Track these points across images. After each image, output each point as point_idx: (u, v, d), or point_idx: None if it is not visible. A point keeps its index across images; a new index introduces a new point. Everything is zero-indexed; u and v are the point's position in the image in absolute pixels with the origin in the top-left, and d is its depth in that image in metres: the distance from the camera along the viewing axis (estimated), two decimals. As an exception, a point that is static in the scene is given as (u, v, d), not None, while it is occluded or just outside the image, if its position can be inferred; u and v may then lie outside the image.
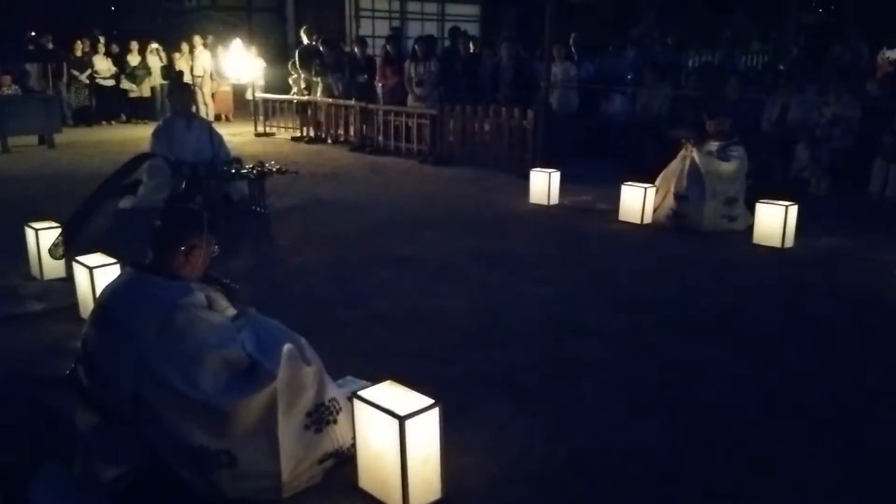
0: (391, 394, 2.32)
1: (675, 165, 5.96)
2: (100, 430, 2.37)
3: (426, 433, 2.25)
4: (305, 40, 11.20)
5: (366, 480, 2.36)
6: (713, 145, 5.81)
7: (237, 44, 11.86)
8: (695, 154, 5.78)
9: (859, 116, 7.28)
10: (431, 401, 2.28)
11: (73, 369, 2.45)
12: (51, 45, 12.29)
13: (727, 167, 5.72)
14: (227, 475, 2.25)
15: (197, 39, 13.22)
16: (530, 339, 3.69)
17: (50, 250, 4.30)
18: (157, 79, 13.09)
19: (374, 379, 2.50)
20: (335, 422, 2.44)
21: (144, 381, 2.23)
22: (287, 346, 2.32)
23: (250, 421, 2.26)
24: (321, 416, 2.40)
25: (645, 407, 3.02)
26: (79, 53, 12.47)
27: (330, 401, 2.43)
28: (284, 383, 2.28)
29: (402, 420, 2.18)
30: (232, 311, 2.50)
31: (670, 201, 5.89)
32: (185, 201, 2.87)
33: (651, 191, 5.99)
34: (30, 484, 2.31)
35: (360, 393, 2.33)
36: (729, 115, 5.96)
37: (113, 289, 2.43)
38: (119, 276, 2.50)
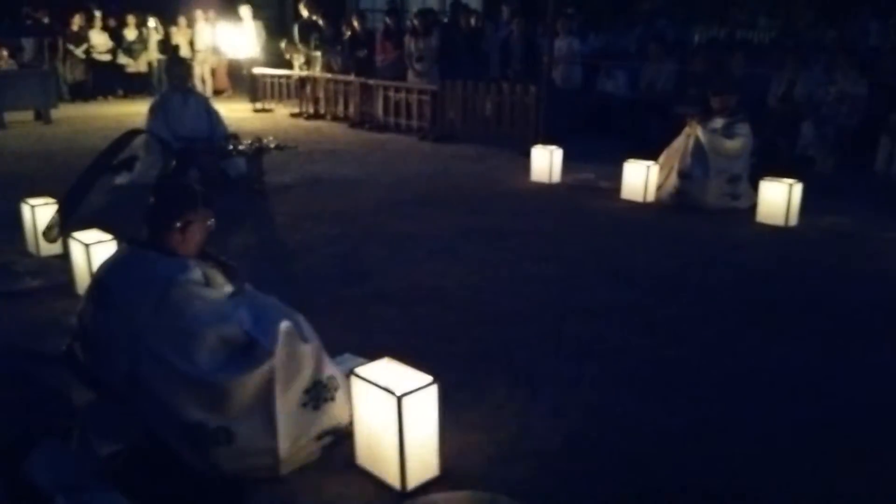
0: (389, 371, 2.31)
1: (678, 143, 5.89)
2: (96, 406, 2.37)
3: (424, 411, 2.24)
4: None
5: (363, 458, 2.35)
6: (718, 122, 5.74)
7: (235, 17, 11.72)
8: (699, 131, 5.71)
9: (866, 94, 7.19)
10: (430, 378, 2.26)
11: (69, 346, 2.43)
12: (47, 20, 12.14)
13: (732, 144, 5.66)
14: (224, 452, 2.24)
15: (199, 14, 13.02)
16: (530, 318, 3.66)
17: (44, 233, 4.26)
18: (153, 53, 12.96)
19: (372, 356, 2.48)
20: (333, 399, 2.42)
21: (141, 357, 2.21)
22: (284, 324, 2.30)
23: (248, 398, 2.25)
24: (319, 394, 2.38)
25: (645, 386, 2.99)
26: (75, 28, 12.31)
27: (328, 378, 2.42)
28: (282, 361, 2.26)
29: (399, 398, 2.16)
30: (229, 289, 2.47)
31: (674, 179, 5.83)
32: (177, 177, 2.83)
33: (654, 168, 5.92)
34: (27, 459, 2.30)
35: (357, 370, 2.31)
36: (734, 92, 5.88)
37: (109, 265, 2.41)
38: (115, 253, 2.48)
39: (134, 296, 2.26)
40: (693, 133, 5.75)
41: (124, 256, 2.40)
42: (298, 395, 2.34)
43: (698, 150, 5.67)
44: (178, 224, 2.34)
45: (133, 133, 5.56)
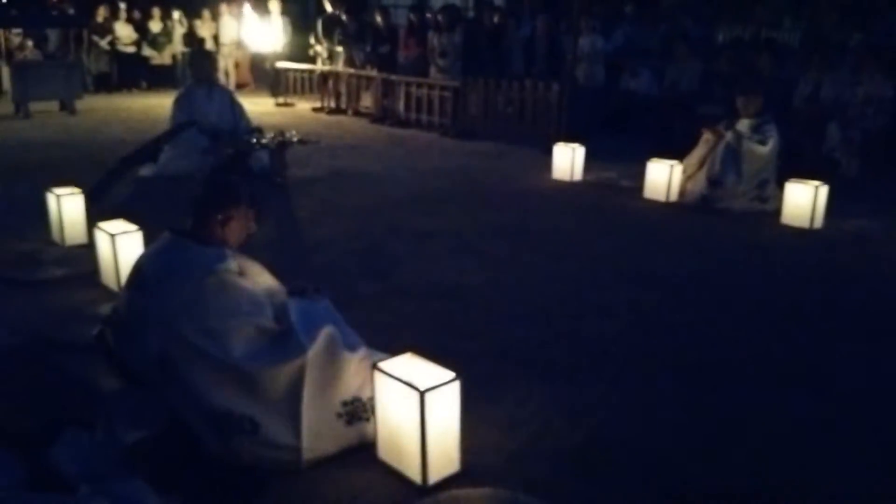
0: (412, 366, 2.30)
1: (700, 151, 5.82)
2: (122, 393, 2.40)
3: (446, 407, 2.23)
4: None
5: (385, 452, 2.35)
6: (745, 123, 5.68)
7: (262, 11, 11.77)
8: (730, 136, 5.63)
9: (892, 96, 7.08)
10: (452, 374, 2.25)
11: (101, 330, 2.47)
12: (72, 11, 12.27)
13: (763, 150, 5.58)
14: (247, 442, 2.26)
15: (224, 7, 13.08)
16: (551, 315, 3.65)
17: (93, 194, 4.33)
18: (178, 46, 13.05)
19: (394, 351, 2.47)
20: (367, 420, 2.42)
21: (172, 341, 2.25)
22: (329, 328, 2.33)
23: (276, 391, 2.26)
24: (356, 411, 2.38)
25: (665, 384, 2.98)
26: (100, 19, 12.43)
27: (369, 399, 2.41)
28: (318, 362, 2.28)
29: (422, 393, 2.16)
30: (265, 282, 2.50)
31: (701, 186, 5.70)
32: (230, 172, 2.90)
33: (678, 168, 5.86)
34: (51, 448, 2.32)
35: (380, 365, 2.31)
36: (761, 93, 5.81)
37: (150, 252, 2.49)
38: (157, 241, 2.51)
39: (170, 281, 2.31)
40: (719, 139, 5.68)
41: (164, 244, 2.45)
42: (336, 404, 2.35)
43: (729, 157, 5.58)
44: (220, 217, 2.40)
45: (186, 125, 5.72)
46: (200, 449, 2.30)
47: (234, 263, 2.38)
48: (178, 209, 2.56)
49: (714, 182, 5.65)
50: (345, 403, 2.36)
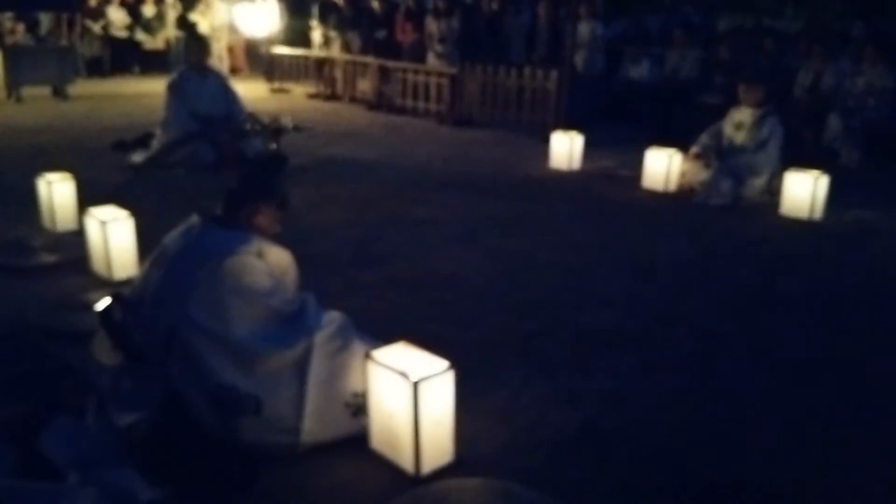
0: (405, 356, 2.27)
1: (697, 169, 5.75)
2: (116, 376, 2.39)
3: (439, 396, 2.21)
4: None
5: (378, 441, 2.32)
6: (746, 113, 5.63)
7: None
8: (739, 140, 5.59)
9: (894, 87, 7.02)
10: (446, 364, 2.23)
11: (107, 306, 2.46)
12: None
13: (773, 152, 5.52)
14: (249, 421, 2.25)
15: (216, -8, 12.96)
16: (547, 306, 3.61)
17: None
18: (171, 31, 12.93)
19: (388, 340, 2.43)
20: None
21: (183, 318, 2.26)
22: (343, 320, 2.38)
23: (282, 372, 2.28)
24: (364, 404, 2.35)
25: (661, 376, 2.95)
26: (93, 3, 12.33)
27: None
28: (326, 347, 2.31)
29: (415, 383, 2.13)
30: (284, 267, 2.55)
31: (723, 194, 5.54)
32: (269, 171, 2.95)
33: (677, 157, 5.81)
34: (41, 435, 2.29)
35: (373, 354, 2.28)
36: (763, 82, 5.74)
37: (175, 233, 2.50)
38: (184, 223, 2.54)
39: (189, 259, 2.34)
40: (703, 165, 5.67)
41: (190, 226, 2.47)
42: (346, 394, 2.35)
43: (746, 167, 5.53)
44: (250, 209, 2.46)
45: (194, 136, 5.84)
46: (196, 433, 2.27)
47: (255, 247, 2.42)
48: (169, 196, 2.52)
49: (737, 192, 5.54)
50: (356, 395, 2.35)
